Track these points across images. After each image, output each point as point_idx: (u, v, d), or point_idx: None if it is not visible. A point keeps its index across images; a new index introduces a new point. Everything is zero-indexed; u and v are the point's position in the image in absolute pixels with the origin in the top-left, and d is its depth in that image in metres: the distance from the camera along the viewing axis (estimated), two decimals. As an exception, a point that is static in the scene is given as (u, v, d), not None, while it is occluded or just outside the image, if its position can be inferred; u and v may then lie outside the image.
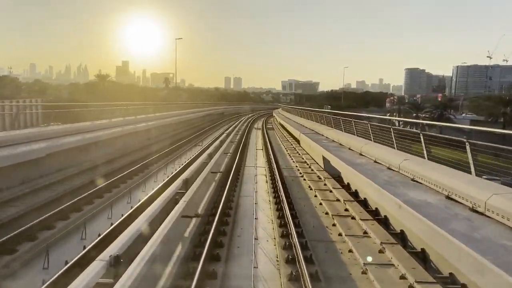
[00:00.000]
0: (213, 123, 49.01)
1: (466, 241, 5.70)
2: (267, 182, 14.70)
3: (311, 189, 13.63)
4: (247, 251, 7.87)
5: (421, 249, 7.27)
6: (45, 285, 5.79)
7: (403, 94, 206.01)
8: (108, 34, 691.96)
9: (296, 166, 18.31)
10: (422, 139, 11.06)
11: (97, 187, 12.24)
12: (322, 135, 22.46)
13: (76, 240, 8.37)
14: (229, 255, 7.69)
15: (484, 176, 8.23)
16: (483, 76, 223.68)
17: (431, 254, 6.96)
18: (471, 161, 8.60)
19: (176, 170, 15.73)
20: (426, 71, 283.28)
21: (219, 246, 7.92)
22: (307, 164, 18.44)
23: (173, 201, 8.90)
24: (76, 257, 6.71)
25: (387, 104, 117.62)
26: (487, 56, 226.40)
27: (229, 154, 20.16)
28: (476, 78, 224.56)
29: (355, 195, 11.85)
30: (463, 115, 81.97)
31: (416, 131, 13.61)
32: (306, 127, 29.07)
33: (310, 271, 6.55)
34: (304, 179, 15.26)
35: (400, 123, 27.29)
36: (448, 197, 7.99)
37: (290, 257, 7.32)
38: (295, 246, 7.63)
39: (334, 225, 9.61)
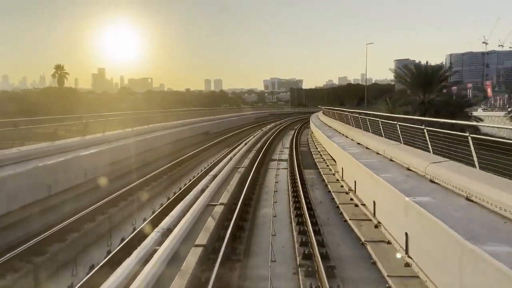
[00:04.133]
0: None
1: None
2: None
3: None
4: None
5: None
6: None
7: (395, 87, 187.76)
8: (83, 41, 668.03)
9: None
10: None
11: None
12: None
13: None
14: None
15: None
16: (479, 64, 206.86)
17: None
18: None
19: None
20: (417, 61, 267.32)
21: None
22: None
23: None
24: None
25: None
26: (483, 42, 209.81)
27: None
28: (472, 66, 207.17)
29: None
30: None
31: None
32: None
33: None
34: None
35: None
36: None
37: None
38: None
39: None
